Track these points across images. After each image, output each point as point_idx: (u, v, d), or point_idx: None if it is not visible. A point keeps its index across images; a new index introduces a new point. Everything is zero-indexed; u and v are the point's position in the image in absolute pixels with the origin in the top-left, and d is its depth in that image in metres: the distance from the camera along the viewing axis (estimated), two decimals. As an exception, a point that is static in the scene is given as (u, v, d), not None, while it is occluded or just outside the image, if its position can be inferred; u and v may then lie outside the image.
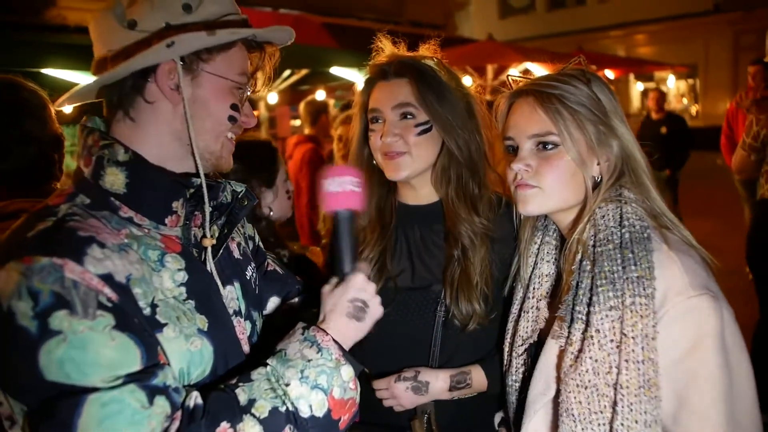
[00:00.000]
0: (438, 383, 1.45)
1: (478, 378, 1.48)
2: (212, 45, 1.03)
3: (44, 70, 3.90)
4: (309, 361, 0.99)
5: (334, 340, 1.03)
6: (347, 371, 1.02)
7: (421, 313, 1.49)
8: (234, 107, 1.08)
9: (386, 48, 1.55)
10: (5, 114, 1.55)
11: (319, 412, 0.97)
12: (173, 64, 1.01)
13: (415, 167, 1.48)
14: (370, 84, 1.54)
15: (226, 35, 1.03)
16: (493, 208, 1.53)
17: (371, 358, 1.52)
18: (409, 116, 1.46)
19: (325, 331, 1.04)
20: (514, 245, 1.50)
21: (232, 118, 1.08)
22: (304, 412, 0.96)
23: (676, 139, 6.69)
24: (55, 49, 4.18)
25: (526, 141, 1.25)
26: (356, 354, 1.08)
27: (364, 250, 1.56)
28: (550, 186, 1.24)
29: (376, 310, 1.12)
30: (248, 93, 1.13)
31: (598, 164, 1.25)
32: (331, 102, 5.11)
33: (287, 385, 0.96)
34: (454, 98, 1.48)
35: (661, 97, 7.34)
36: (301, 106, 5.32)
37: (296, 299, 1.42)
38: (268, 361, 1.00)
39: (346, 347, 1.06)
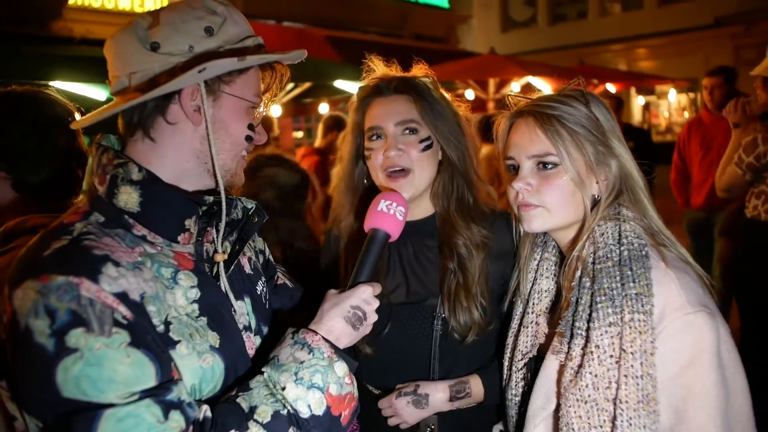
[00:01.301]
0: (438, 394, 1.46)
1: (476, 387, 1.50)
2: (237, 69, 1.06)
3: (52, 83, 3.95)
4: (301, 363, 1.01)
5: (324, 338, 1.05)
6: (341, 367, 1.03)
7: (418, 328, 1.51)
8: (250, 127, 1.12)
9: (378, 68, 1.57)
10: (40, 127, 1.57)
11: (319, 410, 0.99)
12: (197, 86, 1.04)
13: (418, 186, 1.49)
14: (365, 102, 1.55)
15: (255, 60, 1.06)
16: (487, 219, 1.55)
17: (373, 374, 1.54)
18: (412, 131, 1.48)
19: (314, 332, 1.06)
20: (513, 260, 1.51)
21: (248, 138, 1.12)
22: (304, 413, 0.98)
23: (643, 152, 6.60)
24: (62, 62, 4.23)
25: (526, 161, 1.28)
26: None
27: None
28: (552, 204, 1.27)
29: (368, 327, 1.15)
30: (263, 112, 1.16)
31: (597, 183, 1.28)
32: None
33: (283, 389, 0.98)
34: (449, 114, 1.52)
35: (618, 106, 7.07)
36: (320, 126, 5.42)
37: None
38: (263, 369, 1.02)
39: (339, 347, 1.07)
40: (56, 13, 8.39)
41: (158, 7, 1.09)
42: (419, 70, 1.57)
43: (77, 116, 1.63)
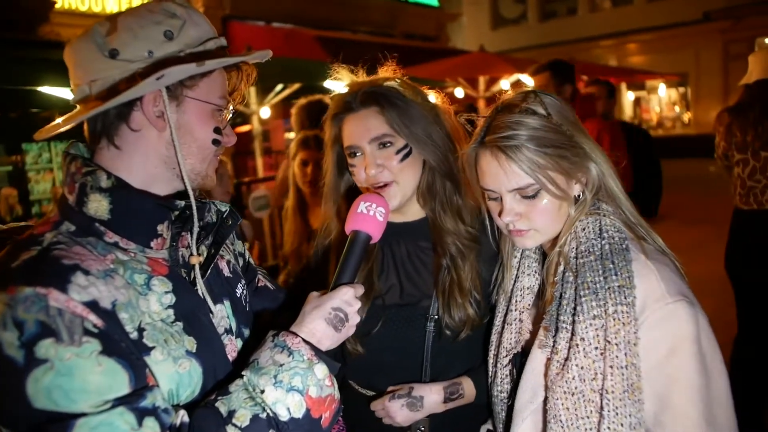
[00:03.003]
0: (432, 396, 1.46)
1: (468, 388, 1.50)
2: (198, 73, 1.04)
3: (40, 88, 3.93)
4: (281, 365, 1.00)
5: (304, 341, 1.04)
6: (321, 369, 1.02)
7: (410, 329, 1.50)
8: (217, 130, 1.10)
9: (344, 77, 1.54)
10: None
11: (298, 413, 0.98)
12: (158, 92, 1.02)
13: (404, 193, 1.48)
14: (338, 118, 1.51)
15: (214, 64, 1.05)
16: (475, 214, 1.54)
17: (363, 375, 1.54)
18: (387, 144, 1.45)
19: (294, 334, 1.05)
20: (494, 261, 1.51)
21: (215, 142, 1.11)
22: (283, 416, 0.97)
23: (646, 152, 6.66)
24: (49, 66, 4.20)
25: (506, 193, 1.26)
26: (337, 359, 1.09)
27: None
28: (543, 226, 1.27)
29: (351, 328, 1.14)
30: (230, 114, 1.15)
31: (577, 183, 1.28)
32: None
33: (263, 392, 0.97)
34: (423, 114, 1.47)
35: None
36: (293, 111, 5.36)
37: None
38: (243, 372, 1.01)
39: (321, 349, 1.06)
40: (43, 18, 8.34)
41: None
42: (385, 72, 1.53)
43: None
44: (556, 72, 3.82)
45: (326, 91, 6.27)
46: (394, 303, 1.52)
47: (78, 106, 1.07)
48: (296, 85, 6.16)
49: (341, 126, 1.51)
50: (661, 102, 20.20)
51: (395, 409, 1.44)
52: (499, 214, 1.29)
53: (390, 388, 1.49)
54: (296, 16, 11.23)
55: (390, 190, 1.46)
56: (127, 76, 1.01)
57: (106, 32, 1.02)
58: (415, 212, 1.57)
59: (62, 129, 1.04)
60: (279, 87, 6.18)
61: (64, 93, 4.13)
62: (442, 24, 16.37)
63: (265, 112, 6.63)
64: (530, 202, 1.25)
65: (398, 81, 1.51)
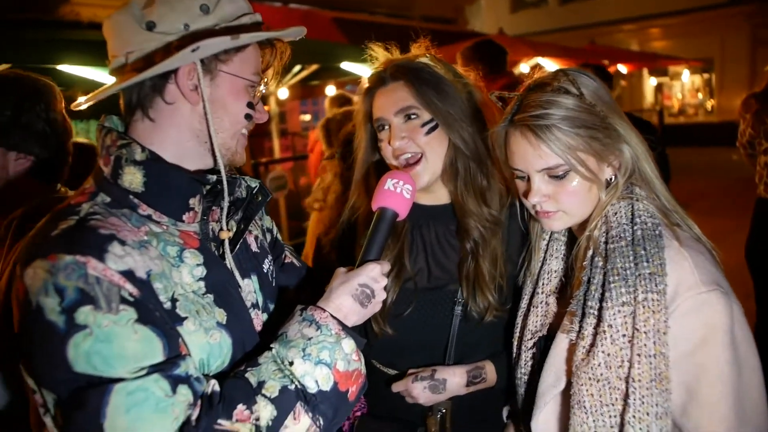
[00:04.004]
0: (455, 379, 1.46)
1: (491, 372, 1.50)
2: (232, 47, 1.05)
3: (59, 67, 3.94)
4: (309, 339, 1.02)
5: (332, 316, 1.06)
6: (348, 344, 1.04)
7: (437, 313, 1.50)
8: (249, 105, 1.11)
9: (379, 55, 1.54)
10: (34, 101, 1.57)
11: (326, 386, 1.00)
12: (193, 65, 1.03)
13: (432, 171, 1.46)
14: (370, 93, 1.53)
15: (248, 39, 1.05)
16: (503, 199, 1.52)
17: (387, 355, 1.55)
18: (413, 116, 1.44)
19: (322, 309, 1.07)
20: (524, 244, 1.49)
21: (248, 116, 1.12)
22: (311, 388, 0.99)
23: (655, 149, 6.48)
24: (70, 46, 4.22)
25: (535, 174, 1.24)
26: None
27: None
28: (570, 207, 1.25)
29: (378, 305, 1.15)
30: (262, 90, 1.16)
31: (609, 166, 1.25)
32: (355, 97, 5.14)
33: (291, 364, 0.99)
34: (454, 91, 1.47)
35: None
36: (327, 102, 5.35)
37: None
38: (272, 345, 1.03)
39: (347, 324, 1.08)
40: (63, -2, 8.37)
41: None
42: (417, 49, 1.54)
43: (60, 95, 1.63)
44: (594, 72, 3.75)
45: (343, 73, 6.27)
46: (423, 287, 1.52)
47: (115, 78, 1.08)
48: (313, 67, 6.13)
49: (372, 101, 1.52)
50: (683, 88, 19.80)
51: (418, 391, 1.45)
52: (527, 195, 1.26)
53: (411, 371, 1.49)
54: (313, -2, 11.14)
55: (418, 167, 1.45)
56: (163, 47, 1.02)
57: (144, 5, 1.04)
58: (445, 195, 1.55)
59: (99, 98, 1.07)
60: (296, 68, 6.16)
61: (84, 71, 4.15)
62: (461, 6, 16.16)
63: (283, 93, 6.62)
64: (559, 183, 1.22)
65: (429, 57, 1.51)
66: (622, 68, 11.91)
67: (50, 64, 3.89)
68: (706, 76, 19.20)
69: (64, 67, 4.00)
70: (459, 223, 1.52)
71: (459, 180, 1.49)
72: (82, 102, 1.10)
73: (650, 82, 19.82)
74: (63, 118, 1.63)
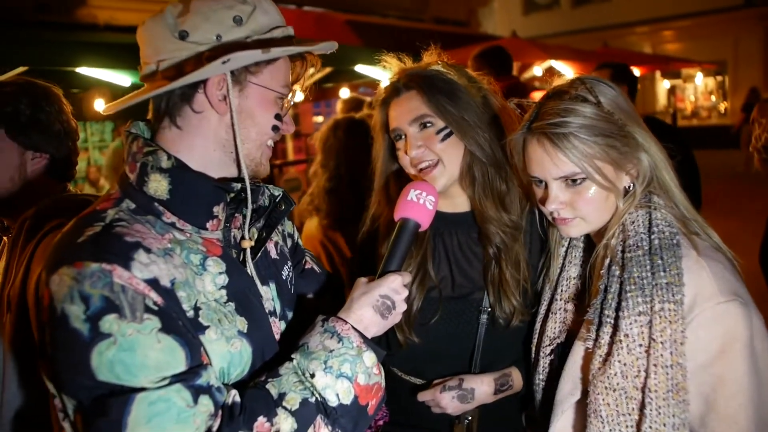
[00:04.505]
0: (483, 388, 1.46)
1: (517, 379, 1.50)
2: (263, 60, 1.06)
3: (77, 69, 3.99)
4: (331, 351, 1.01)
5: (353, 328, 1.05)
6: (370, 357, 1.04)
7: (463, 322, 1.50)
8: (277, 117, 1.12)
9: (392, 65, 1.54)
10: (49, 103, 1.62)
11: (347, 400, 1.00)
12: (223, 76, 1.04)
13: (449, 175, 1.46)
14: (385, 103, 1.53)
15: (279, 52, 1.06)
16: (523, 203, 1.51)
17: (410, 363, 1.54)
18: (428, 125, 1.44)
19: (344, 320, 1.06)
20: (543, 249, 1.49)
21: (275, 128, 1.12)
22: (332, 401, 0.99)
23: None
24: (87, 48, 4.26)
25: (553, 181, 1.24)
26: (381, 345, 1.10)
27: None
28: (588, 214, 1.25)
29: (398, 316, 1.15)
30: (291, 102, 1.16)
31: (627, 174, 1.25)
32: (367, 99, 5.13)
33: (312, 376, 0.99)
34: (468, 96, 1.46)
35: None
36: (339, 104, 5.36)
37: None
38: (293, 356, 1.03)
39: (368, 336, 1.08)
40: (81, 1, 8.46)
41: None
42: (429, 57, 1.54)
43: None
44: (616, 72, 3.75)
45: (357, 76, 6.28)
46: (447, 295, 1.52)
47: (145, 85, 1.09)
48: (327, 69, 6.14)
49: (387, 111, 1.52)
50: (696, 91, 19.61)
51: (447, 401, 1.45)
52: (544, 202, 1.27)
53: (437, 381, 1.48)
54: (326, 0, 11.18)
55: (435, 171, 1.45)
56: (194, 57, 1.02)
57: (178, 14, 1.04)
58: (465, 202, 1.55)
59: (129, 104, 1.07)
60: (310, 70, 6.18)
61: (102, 74, 4.19)
62: (473, 9, 16.13)
63: (297, 95, 6.63)
64: (576, 190, 1.23)
65: (441, 63, 1.51)
66: (635, 71, 11.82)
67: (68, 67, 3.94)
68: (719, 78, 19.00)
69: (82, 70, 4.04)
70: (480, 229, 1.51)
71: (477, 186, 1.49)
72: (111, 107, 1.11)
73: (663, 84, 19.65)
74: (70, 120, 1.67)
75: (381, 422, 1.58)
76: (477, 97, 1.47)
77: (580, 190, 1.22)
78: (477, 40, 11.47)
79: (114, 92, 4.58)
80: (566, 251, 1.40)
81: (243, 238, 1.13)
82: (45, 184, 1.61)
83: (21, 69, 3.52)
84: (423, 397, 1.48)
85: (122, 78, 4.30)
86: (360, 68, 5.68)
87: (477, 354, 1.49)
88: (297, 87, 1.18)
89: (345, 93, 6.58)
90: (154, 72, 1.05)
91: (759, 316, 1.14)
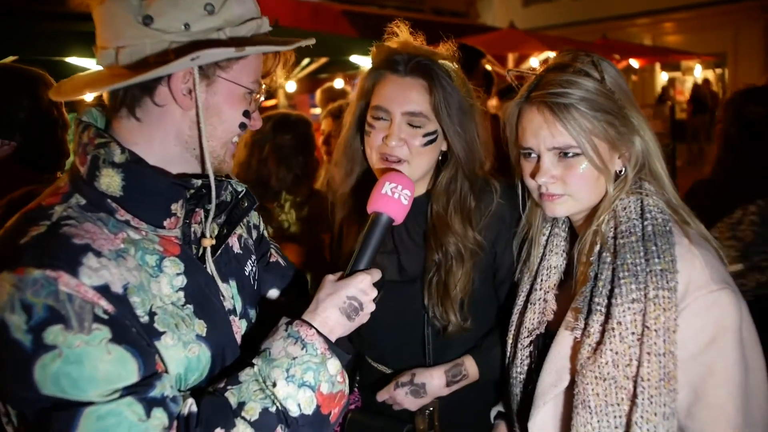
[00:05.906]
0: (434, 381, 1.43)
1: (471, 368, 1.47)
2: (235, 57, 0.97)
3: (68, 59, 3.94)
4: (294, 359, 0.96)
5: (318, 333, 1.00)
6: (334, 365, 0.99)
7: (410, 308, 1.47)
8: (245, 113, 1.04)
9: (402, 34, 1.44)
10: (15, 91, 1.59)
11: (308, 410, 0.96)
12: (189, 69, 0.95)
13: (412, 175, 1.37)
14: (378, 74, 1.42)
15: (254, 51, 0.98)
16: (484, 211, 1.46)
17: (375, 350, 1.53)
18: (418, 125, 1.38)
19: (309, 324, 1.01)
20: (509, 231, 1.45)
21: (242, 125, 1.05)
22: (293, 412, 0.94)
23: None
24: (78, 38, 4.20)
25: (546, 152, 1.21)
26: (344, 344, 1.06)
27: (347, 242, 1.52)
28: (577, 192, 1.22)
29: (365, 317, 1.10)
30: (261, 98, 1.09)
31: (619, 158, 1.22)
32: (350, 90, 5.06)
33: (274, 385, 0.94)
34: (465, 108, 1.40)
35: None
36: (318, 93, 5.30)
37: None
38: (254, 361, 0.98)
39: (332, 339, 1.03)
40: (73, -10, 8.38)
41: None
42: (445, 50, 1.44)
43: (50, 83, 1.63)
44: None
45: (352, 66, 6.24)
46: (392, 279, 1.47)
47: (102, 70, 1.00)
48: (322, 60, 6.10)
49: (376, 82, 1.43)
50: (696, 82, 19.56)
51: (401, 398, 1.44)
52: (534, 175, 1.23)
53: (394, 379, 1.47)
54: (323, -10, 11.09)
55: (399, 167, 1.39)
56: (159, 51, 0.93)
57: None
58: (418, 189, 1.47)
59: (86, 95, 1.00)
60: (305, 61, 6.13)
61: (92, 64, 4.14)
62: (472, 0, 16.04)
63: (291, 86, 6.59)
64: (568, 163, 1.20)
65: (456, 67, 1.43)
66: (634, 63, 11.78)
67: (58, 56, 3.89)
68: (718, 71, 18.94)
69: (72, 59, 3.99)
70: (434, 233, 1.45)
71: (452, 198, 1.44)
72: (65, 94, 1.01)
73: (662, 76, 19.60)
74: (50, 108, 1.62)
75: (352, 406, 1.56)
76: (469, 110, 1.42)
77: (573, 164, 1.20)
78: (476, 31, 11.42)
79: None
80: (547, 240, 1.37)
81: (203, 235, 1.06)
82: (17, 171, 1.57)
83: (12, 58, 3.47)
84: (381, 396, 1.47)
85: (95, 66, 4.25)
86: (356, 59, 5.63)
87: (428, 343, 1.46)
88: (267, 81, 1.10)
89: (340, 83, 6.52)
90: (113, 59, 0.95)
91: (746, 304, 1.12)
